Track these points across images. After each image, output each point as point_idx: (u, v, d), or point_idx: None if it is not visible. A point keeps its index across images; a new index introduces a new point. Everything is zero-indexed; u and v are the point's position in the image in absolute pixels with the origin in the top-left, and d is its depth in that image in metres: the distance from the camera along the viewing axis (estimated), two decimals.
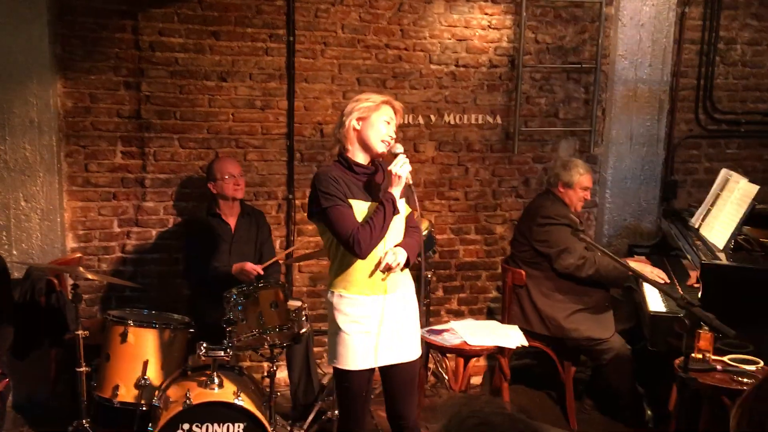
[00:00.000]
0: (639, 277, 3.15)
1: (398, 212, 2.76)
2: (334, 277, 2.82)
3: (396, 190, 2.74)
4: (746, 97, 4.97)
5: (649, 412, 3.97)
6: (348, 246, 2.70)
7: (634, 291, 4.10)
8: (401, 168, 2.73)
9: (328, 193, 2.73)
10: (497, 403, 1.27)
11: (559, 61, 4.63)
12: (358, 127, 2.77)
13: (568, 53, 4.64)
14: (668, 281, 3.85)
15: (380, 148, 2.78)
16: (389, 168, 2.74)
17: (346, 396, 2.88)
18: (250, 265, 3.76)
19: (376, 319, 2.79)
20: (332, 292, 2.82)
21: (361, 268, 2.77)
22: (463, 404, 1.22)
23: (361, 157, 2.82)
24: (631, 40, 4.64)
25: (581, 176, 4.00)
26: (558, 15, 4.58)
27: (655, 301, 3.60)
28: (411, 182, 2.80)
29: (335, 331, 2.81)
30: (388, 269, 2.76)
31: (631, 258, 4.34)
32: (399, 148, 2.80)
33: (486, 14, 4.48)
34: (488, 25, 4.50)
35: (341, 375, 2.83)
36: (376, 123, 2.77)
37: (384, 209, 2.71)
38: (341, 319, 2.80)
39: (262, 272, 3.75)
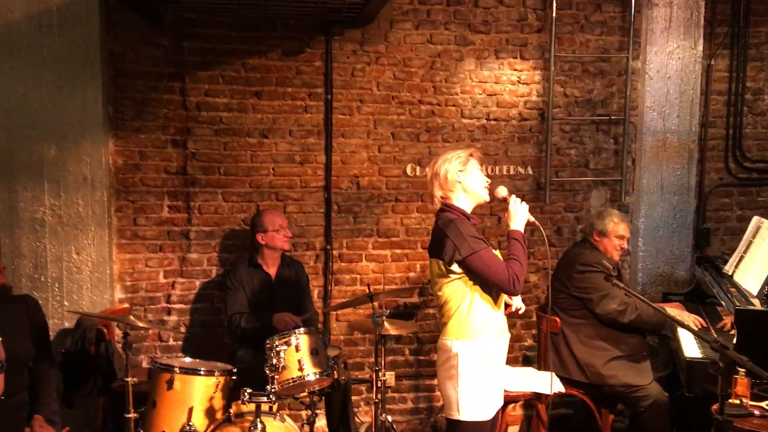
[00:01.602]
0: (675, 322, 3.19)
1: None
2: (465, 326, 2.85)
3: (521, 226, 2.93)
4: None
5: None
6: (507, 283, 2.79)
7: (670, 339, 4.11)
8: (522, 206, 2.95)
9: (474, 236, 2.82)
10: None
11: (587, 113, 4.77)
12: (460, 180, 2.90)
13: (597, 106, 4.78)
14: (704, 326, 3.87)
15: (484, 194, 2.95)
16: (511, 208, 2.94)
17: None
18: (290, 317, 3.86)
19: (502, 362, 2.97)
20: (463, 342, 2.84)
21: (494, 312, 2.90)
22: None
23: (468, 207, 2.96)
24: (658, 92, 4.76)
25: (615, 225, 4.07)
26: (585, 69, 4.73)
27: (690, 347, 3.63)
28: (533, 219, 2.98)
29: (456, 378, 2.84)
30: (517, 312, 3.00)
31: (667, 303, 4.36)
32: (504, 191, 2.99)
33: (516, 70, 4.65)
34: (518, 80, 4.67)
35: (470, 428, 2.86)
36: (474, 170, 2.94)
37: (521, 246, 2.88)
38: (477, 367, 2.84)
39: (300, 324, 3.83)
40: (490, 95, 4.64)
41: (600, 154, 4.82)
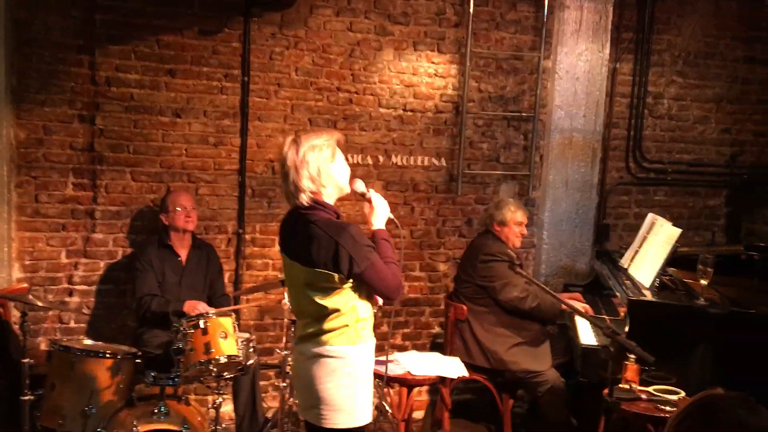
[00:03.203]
0: (571, 309, 3.35)
1: None
2: (355, 331, 2.60)
3: (383, 224, 2.72)
4: (672, 148, 5.34)
5: None
6: (396, 291, 2.60)
7: (568, 327, 4.31)
8: (382, 201, 2.73)
9: (367, 244, 2.56)
10: None
11: (500, 109, 4.91)
12: (331, 172, 2.59)
13: (509, 102, 4.93)
14: (598, 315, 4.08)
15: (347, 187, 2.67)
16: (374, 205, 2.71)
17: None
18: (203, 306, 3.81)
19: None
20: (356, 347, 2.60)
21: (371, 311, 2.69)
22: None
23: (333, 202, 2.65)
24: (567, 92, 4.95)
25: (513, 213, 4.22)
26: (500, 66, 4.87)
27: (586, 335, 3.83)
28: (392, 216, 2.77)
29: (354, 385, 2.60)
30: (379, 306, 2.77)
31: (567, 294, 4.57)
32: (362, 185, 2.74)
33: (433, 63, 4.74)
34: (434, 73, 4.76)
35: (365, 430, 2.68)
36: (342, 161, 2.66)
37: (390, 245, 2.66)
38: (361, 371, 2.62)
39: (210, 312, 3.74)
40: (408, 86, 4.71)
41: (510, 149, 4.98)
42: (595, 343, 3.72)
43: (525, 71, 4.92)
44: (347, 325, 2.58)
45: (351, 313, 2.58)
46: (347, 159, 4.52)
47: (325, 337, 2.58)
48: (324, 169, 2.55)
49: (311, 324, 2.61)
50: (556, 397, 4.01)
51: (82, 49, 4.12)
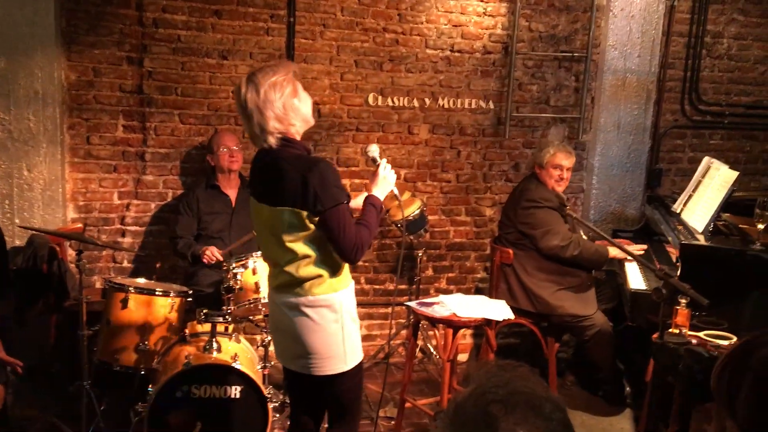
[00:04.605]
0: (624, 252, 3.29)
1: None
2: (337, 276, 2.54)
3: (382, 195, 2.64)
4: (731, 90, 5.13)
5: (627, 389, 4.14)
6: (350, 251, 2.45)
7: (617, 274, 4.25)
8: (391, 173, 2.66)
9: (341, 189, 2.45)
10: (530, 378, 1.13)
11: (551, 49, 4.77)
12: (296, 107, 2.47)
13: (560, 42, 4.78)
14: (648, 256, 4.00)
15: (312, 119, 2.57)
16: (379, 171, 2.65)
17: (358, 392, 2.77)
18: (212, 251, 3.85)
19: None
20: (340, 293, 2.55)
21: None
22: (493, 374, 1.12)
23: (299, 137, 2.54)
24: (621, 30, 4.77)
25: (551, 156, 4.10)
26: (551, 4, 4.71)
27: (636, 280, 3.77)
28: (397, 192, 2.72)
29: (341, 332, 2.56)
30: None
31: (616, 240, 4.49)
32: (376, 150, 2.71)
33: (482, 1, 4.60)
34: (483, 12, 4.62)
35: (356, 372, 2.65)
36: (303, 93, 2.53)
37: (376, 214, 2.57)
38: (347, 315, 2.58)
39: (221, 258, 3.80)
40: (456, 26, 4.60)
41: (560, 91, 4.85)
42: (645, 287, 3.66)
43: (578, 9, 4.75)
44: (321, 275, 2.48)
45: (325, 260, 2.48)
46: (393, 102, 4.55)
47: (305, 287, 2.49)
48: (289, 106, 2.43)
49: (285, 273, 2.51)
50: (603, 340, 3.98)
51: None
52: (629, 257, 3.19)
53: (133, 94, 4.23)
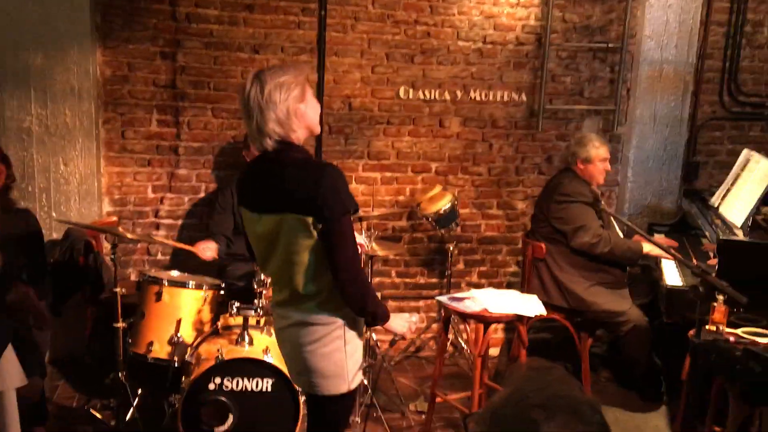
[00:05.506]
0: (659, 248, 3.22)
1: None
2: (330, 296, 2.34)
3: (391, 326, 2.50)
4: None
5: (664, 385, 4.07)
6: (344, 266, 2.27)
7: (652, 269, 4.18)
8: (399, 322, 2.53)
9: (349, 195, 2.29)
10: (567, 380, 1.12)
11: (585, 40, 4.69)
12: (301, 113, 2.28)
13: (595, 32, 4.69)
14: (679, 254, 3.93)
15: (318, 127, 2.39)
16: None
17: (349, 414, 2.70)
18: (204, 245, 3.94)
19: None
20: (334, 315, 2.36)
21: None
22: (529, 378, 1.12)
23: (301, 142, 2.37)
24: (657, 20, 4.67)
25: (597, 150, 4.03)
26: None
27: (671, 275, 3.70)
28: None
29: (344, 349, 2.40)
30: None
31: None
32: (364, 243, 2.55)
33: None
34: (516, 3, 4.57)
35: (348, 396, 2.49)
36: (312, 99, 2.35)
37: (380, 309, 2.42)
38: (350, 334, 2.42)
39: (216, 255, 3.91)
40: (488, 17, 4.55)
41: (595, 83, 4.78)
42: (681, 284, 3.59)
43: None
44: (325, 291, 2.32)
45: (327, 274, 2.29)
46: (425, 95, 4.52)
47: (308, 304, 2.34)
48: (293, 111, 2.24)
49: (288, 288, 2.36)
50: (640, 336, 3.91)
51: None
52: (665, 255, 3.12)
53: (167, 89, 4.27)
